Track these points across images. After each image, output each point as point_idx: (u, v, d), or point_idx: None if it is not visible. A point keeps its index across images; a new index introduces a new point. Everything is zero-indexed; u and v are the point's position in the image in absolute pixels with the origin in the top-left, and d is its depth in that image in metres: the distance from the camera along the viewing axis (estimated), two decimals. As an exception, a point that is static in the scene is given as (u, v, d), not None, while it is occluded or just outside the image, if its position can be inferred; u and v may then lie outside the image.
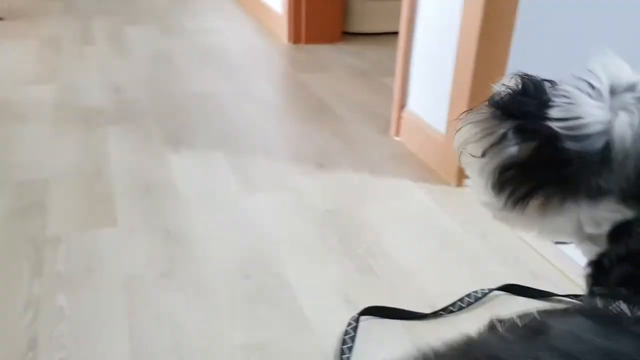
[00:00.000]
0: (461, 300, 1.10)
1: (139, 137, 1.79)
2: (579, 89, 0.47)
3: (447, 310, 1.08)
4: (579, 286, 1.17)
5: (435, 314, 1.07)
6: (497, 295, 1.14)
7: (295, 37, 2.91)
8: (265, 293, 1.12)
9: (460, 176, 1.54)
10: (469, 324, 1.05)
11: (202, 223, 1.35)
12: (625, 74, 0.49)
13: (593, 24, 1.51)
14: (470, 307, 1.10)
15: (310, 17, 2.89)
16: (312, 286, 1.15)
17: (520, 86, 0.51)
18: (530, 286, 1.15)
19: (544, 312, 0.41)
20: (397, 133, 1.82)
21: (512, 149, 0.48)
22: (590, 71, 0.48)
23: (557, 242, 0.59)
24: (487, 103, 0.53)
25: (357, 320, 1.03)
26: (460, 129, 0.54)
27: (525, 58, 1.47)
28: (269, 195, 1.49)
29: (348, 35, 3.09)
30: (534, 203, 0.49)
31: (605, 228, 0.48)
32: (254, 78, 2.39)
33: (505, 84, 0.52)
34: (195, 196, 1.46)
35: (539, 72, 1.70)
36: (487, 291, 1.13)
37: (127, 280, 1.14)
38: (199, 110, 2.02)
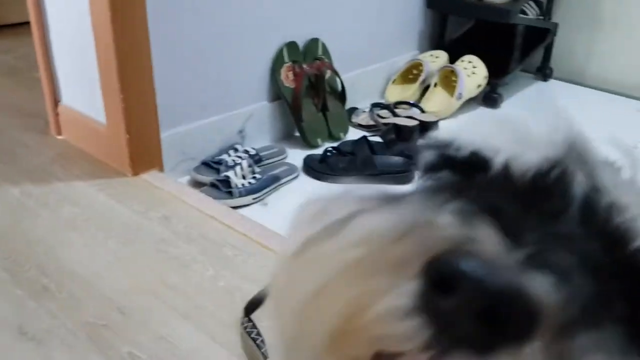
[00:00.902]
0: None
1: None
2: None
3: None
4: (263, 245, 1.24)
5: None
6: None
7: None
8: None
9: (135, 164, 1.47)
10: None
11: None
12: None
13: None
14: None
15: None
16: (-26, 332, 0.98)
17: None
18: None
19: None
20: (59, 131, 1.66)
21: None
22: None
23: None
24: None
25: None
26: None
27: (165, 25, 1.43)
28: None
29: (-13, 29, 2.69)
30: None
31: None
32: None
33: None
34: None
35: (182, 33, 1.59)
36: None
37: None
38: None
